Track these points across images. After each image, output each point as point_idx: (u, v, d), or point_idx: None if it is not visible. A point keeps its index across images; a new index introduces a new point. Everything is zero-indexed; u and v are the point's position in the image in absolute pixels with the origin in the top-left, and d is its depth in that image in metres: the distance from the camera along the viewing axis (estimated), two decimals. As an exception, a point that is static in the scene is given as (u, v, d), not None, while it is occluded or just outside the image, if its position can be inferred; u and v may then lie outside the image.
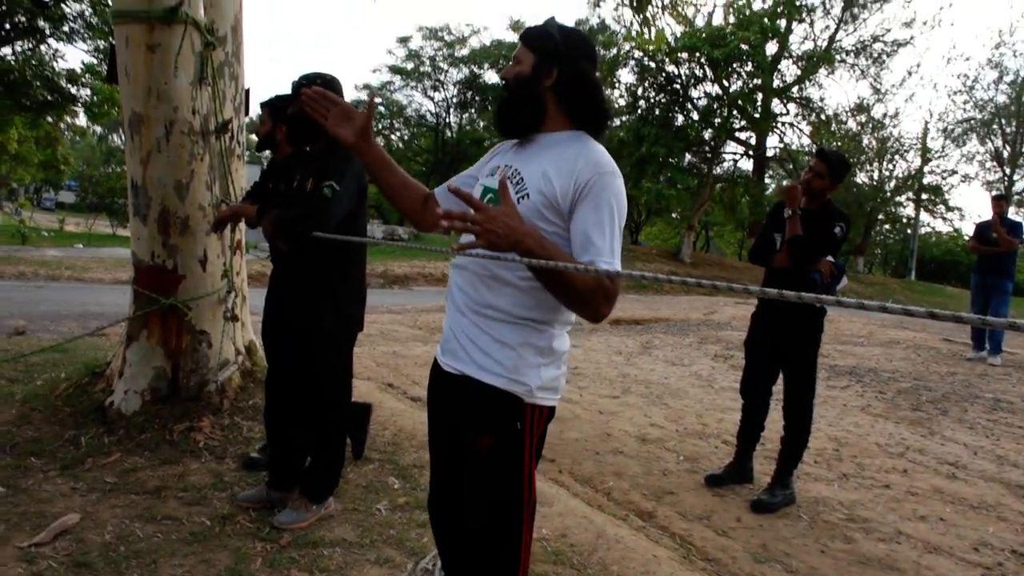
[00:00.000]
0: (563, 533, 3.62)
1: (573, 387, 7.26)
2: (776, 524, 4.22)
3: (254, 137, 4.87)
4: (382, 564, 3.19)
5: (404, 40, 36.51)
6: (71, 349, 6.38)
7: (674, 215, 38.12)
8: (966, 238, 28.95)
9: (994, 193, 10.29)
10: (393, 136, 39.98)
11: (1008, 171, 39.53)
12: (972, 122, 39.07)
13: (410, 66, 36.98)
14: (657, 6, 26.40)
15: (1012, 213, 39.49)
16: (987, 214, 10.32)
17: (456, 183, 2.26)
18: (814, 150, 29.47)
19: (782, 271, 4.48)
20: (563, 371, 2.16)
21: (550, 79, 2.08)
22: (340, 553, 3.26)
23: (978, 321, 1.17)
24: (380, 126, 38.35)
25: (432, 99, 37.86)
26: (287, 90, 3.77)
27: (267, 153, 4.44)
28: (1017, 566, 3.87)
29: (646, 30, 27.08)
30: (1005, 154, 39.52)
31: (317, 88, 2.25)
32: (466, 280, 2.13)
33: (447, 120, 38.09)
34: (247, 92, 5.29)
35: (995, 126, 39.53)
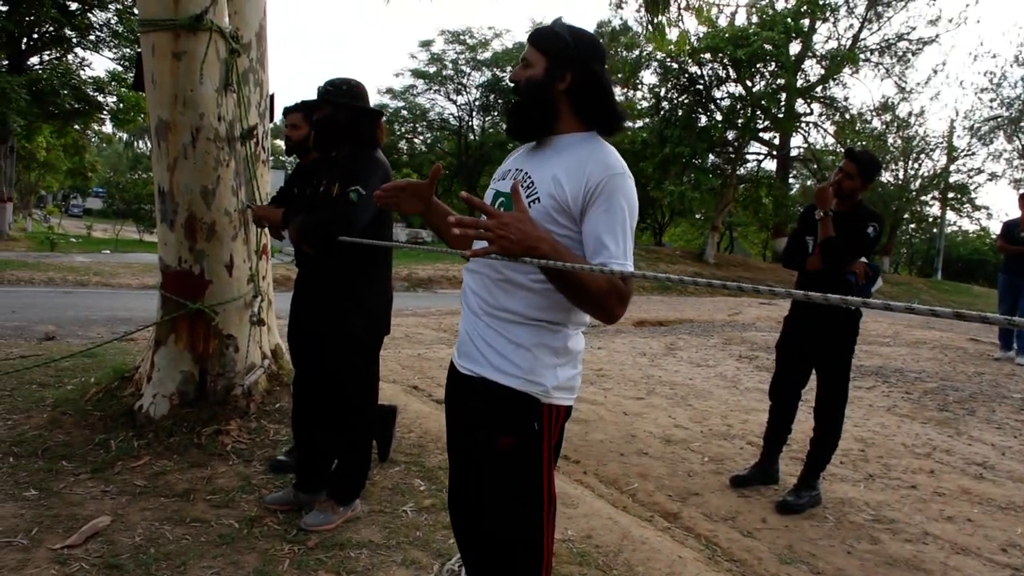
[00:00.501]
0: (588, 534, 3.63)
1: (598, 388, 7.26)
2: (802, 525, 4.21)
3: (279, 142, 4.92)
4: (408, 566, 3.21)
5: (426, 44, 36.58)
6: (100, 354, 6.47)
7: (698, 216, 37.96)
8: (993, 237, 28.67)
9: (1021, 191, 10.15)
10: (416, 140, 40.07)
11: (1035, 169, 39.02)
12: (999, 120, 38.63)
13: (432, 70, 37.05)
14: (679, 7, 26.30)
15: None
16: (1014, 212, 10.20)
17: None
18: (841, 150, 29.24)
19: (816, 274, 4.43)
20: (579, 371, 2.17)
21: (563, 83, 2.08)
22: (367, 555, 3.29)
23: (1004, 322, 1.17)
24: (403, 130, 38.48)
25: (455, 103, 37.93)
26: (304, 94, 3.81)
27: (292, 158, 4.49)
28: (1046, 567, 3.84)
29: (668, 30, 27.02)
30: (1032, 152, 39.02)
31: (387, 186, 2.26)
32: (479, 284, 2.15)
33: (470, 123, 38.14)
34: (272, 98, 5.35)
35: (1023, 123, 39.06)
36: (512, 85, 2.17)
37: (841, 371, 4.51)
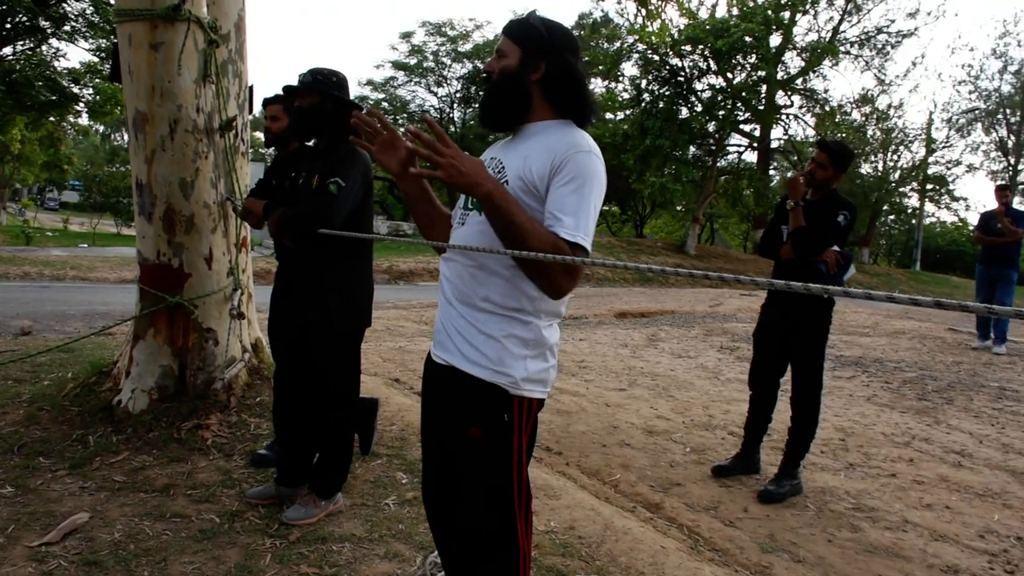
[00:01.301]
0: (571, 525, 3.63)
1: (580, 380, 7.27)
2: (783, 514, 4.23)
3: (259, 135, 4.87)
4: (391, 559, 3.20)
5: (407, 35, 36.45)
6: (77, 349, 6.40)
7: (679, 208, 38.09)
8: (971, 228, 28.89)
9: (998, 183, 10.27)
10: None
11: (1013, 161, 39.49)
12: (977, 112, 39.03)
13: (413, 61, 36.93)
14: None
15: (1017, 203, 39.48)
16: (992, 204, 10.30)
17: None
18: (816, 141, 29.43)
19: (789, 263, 4.48)
20: (552, 364, 2.16)
21: (537, 73, 2.10)
22: (349, 548, 3.27)
23: (984, 310, 1.17)
24: (384, 122, 38.28)
25: (436, 94, 37.82)
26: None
27: (271, 150, 4.45)
28: (1023, 552, 3.88)
29: (650, 23, 27.02)
30: (1010, 143, 39.49)
31: (373, 110, 2.26)
32: (454, 272, 2.15)
33: (451, 115, 38.04)
34: (251, 89, 5.30)
35: (1000, 116, 39.48)
36: (485, 75, 2.17)
37: (815, 359, 4.54)
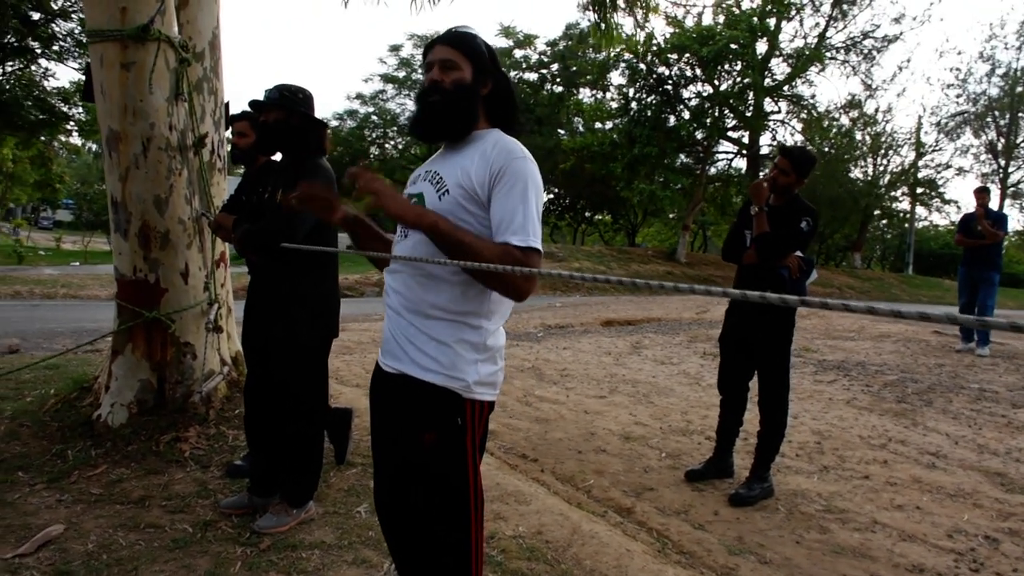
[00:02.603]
0: (539, 530, 3.68)
1: (560, 388, 7.33)
2: (753, 517, 4.29)
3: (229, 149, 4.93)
4: (359, 565, 3.25)
5: (396, 48, 36.64)
6: (62, 365, 6.45)
7: (671, 215, 38.21)
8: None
9: (977, 186, 10.37)
10: (387, 145, 40.08)
11: (1003, 163, 39.67)
12: (966, 115, 39.22)
13: (402, 74, 37.07)
14: (630, 5, 26.40)
15: (1008, 205, 39.76)
16: (973, 206, 10.42)
17: None
18: (809, 147, 29.47)
19: (752, 267, 4.56)
20: (500, 367, 2.23)
21: (486, 89, 2.23)
22: (318, 555, 3.33)
23: (975, 323, 1.17)
24: (374, 135, 38.42)
25: (425, 107, 37.86)
26: None
27: (240, 167, 4.52)
28: (989, 551, 3.93)
29: (637, 31, 27.13)
30: (999, 146, 39.67)
31: (302, 192, 2.40)
32: (401, 282, 2.21)
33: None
34: (227, 106, 5.36)
35: (989, 119, 39.67)
36: (432, 85, 2.20)
37: (780, 362, 4.61)
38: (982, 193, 10.20)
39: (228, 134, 5.41)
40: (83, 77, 21.79)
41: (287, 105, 3.54)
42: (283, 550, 3.36)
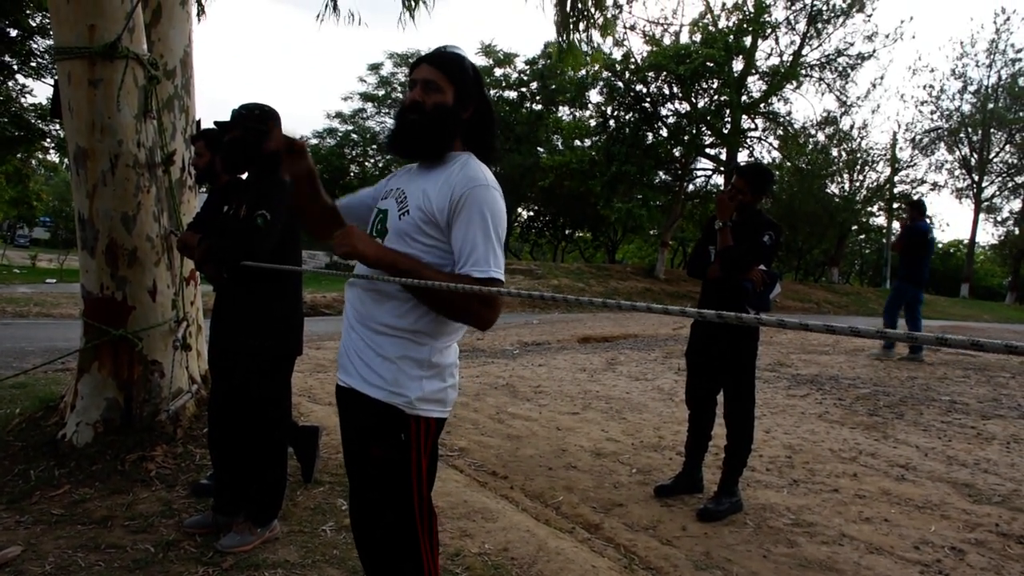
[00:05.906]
0: (505, 547, 3.68)
1: (534, 405, 7.32)
2: (721, 532, 4.29)
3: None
4: (322, 583, 3.23)
5: (375, 67, 36.68)
6: (30, 384, 6.39)
7: (651, 232, 38.35)
8: (939, 245, 29.34)
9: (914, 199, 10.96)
10: (367, 163, 40.07)
11: (976, 178, 40.19)
12: (939, 131, 39.74)
13: (382, 93, 37.11)
14: (625, 27, 26.60)
15: (983, 219, 40.29)
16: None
17: (354, 200, 2.42)
18: (787, 164, 29.67)
19: (716, 282, 4.59)
20: (449, 384, 2.23)
21: (467, 113, 2.21)
22: (281, 574, 3.30)
23: (906, 338, 1.26)
24: (354, 153, 38.39)
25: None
26: None
27: (205, 186, 4.51)
28: (955, 562, 3.95)
29: (616, 50, 27.28)
30: (973, 161, 40.21)
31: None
32: (356, 296, 2.23)
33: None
34: (198, 123, 5.36)
35: (962, 135, 40.21)
36: (411, 105, 2.20)
37: (745, 377, 4.63)
38: (911, 208, 10.78)
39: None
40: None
41: (242, 123, 3.56)
42: (246, 569, 3.34)
